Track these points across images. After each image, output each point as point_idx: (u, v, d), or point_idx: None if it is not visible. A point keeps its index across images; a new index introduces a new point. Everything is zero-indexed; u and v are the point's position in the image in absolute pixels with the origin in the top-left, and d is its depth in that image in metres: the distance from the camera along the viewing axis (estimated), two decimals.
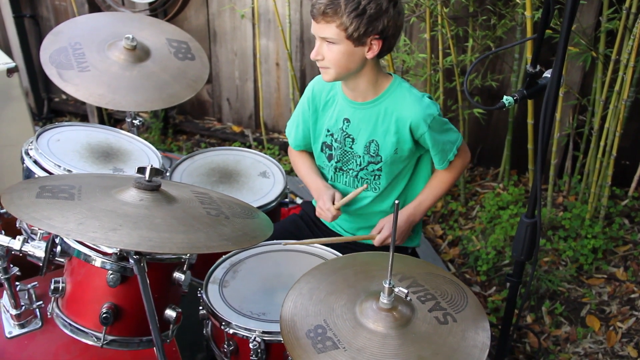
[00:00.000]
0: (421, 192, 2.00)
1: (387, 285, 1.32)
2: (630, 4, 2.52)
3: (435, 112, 1.84)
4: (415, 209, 1.98)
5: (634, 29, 2.48)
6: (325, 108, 2.00)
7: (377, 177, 1.96)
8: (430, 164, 2.02)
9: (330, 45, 1.75)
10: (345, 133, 1.95)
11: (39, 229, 1.71)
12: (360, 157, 1.94)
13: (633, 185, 3.04)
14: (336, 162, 2.01)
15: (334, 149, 2.00)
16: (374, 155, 1.91)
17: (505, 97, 1.62)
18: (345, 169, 2.00)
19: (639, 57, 2.58)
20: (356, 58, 1.77)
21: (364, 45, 1.75)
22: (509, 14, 2.85)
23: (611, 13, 2.62)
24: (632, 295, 2.67)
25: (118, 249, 1.51)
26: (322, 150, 2.04)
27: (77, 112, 4.30)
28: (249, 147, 3.75)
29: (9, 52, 3.99)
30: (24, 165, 1.97)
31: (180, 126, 4.14)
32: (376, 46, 1.75)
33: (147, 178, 1.41)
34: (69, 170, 1.93)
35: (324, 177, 2.09)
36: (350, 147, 1.95)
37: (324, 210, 1.96)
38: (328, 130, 1.99)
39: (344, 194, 2.02)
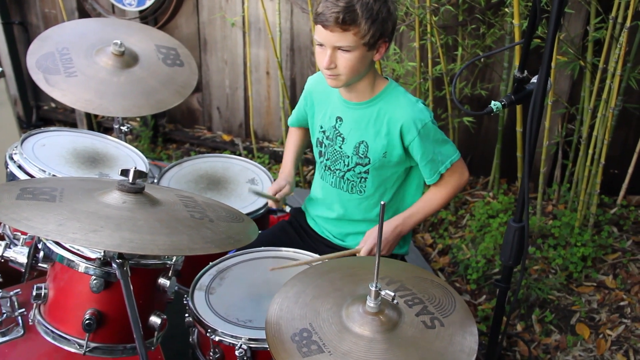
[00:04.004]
0: (413, 204, 1.97)
1: (373, 289, 1.30)
2: (617, 13, 2.54)
3: (427, 118, 1.82)
4: (404, 220, 1.94)
5: (620, 38, 2.50)
6: (320, 105, 2.02)
7: (363, 179, 1.94)
8: (422, 179, 1.99)
9: (344, 53, 1.73)
10: (337, 131, 1.95)
11: (22, 234, 1.68)
12: (348, 157, 1.93)
13: (621, 193, 3.05)
14: (326, 160, 2.01)
15: (325, 146, 2.00)
16: (362, 156, 1.91)
17: (493, 102, 1.62)
18: (333, 169, 1.99)
19: (625, 66, 2.60)
20: (366, 62, 1.78)
21: (374, 49, 1.76)
22: (498, 23, 2.87)
23: (598, 22, 2.64)
24: (621, 303, 2.66)
25: (102, 254, 1.49)
26: (316, 145, 2.05)
27: (66, 120, 4.28)
28: (239, 155, 3.74)
29: None
30: (8, 170, 1.95)
31: (170, 135, 4.12)
32: (383, 48, 1.78)
33: (130, 180, 1.39)
34: (54, 176, 1.91)
35: (315, 170, 2.13)
36: (340, 147, 1.95)
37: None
38: (321, 127, 2.00)
39: (328, 194, 2.03)
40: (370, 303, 1.31)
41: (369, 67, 1.81)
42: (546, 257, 2.90)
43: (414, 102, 1.85)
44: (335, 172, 1.99)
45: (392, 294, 1.29)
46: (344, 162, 1.95)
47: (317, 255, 1.90)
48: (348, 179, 1.97)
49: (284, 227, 2.19)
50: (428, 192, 1.96)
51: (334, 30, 1.69)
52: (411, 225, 1.95)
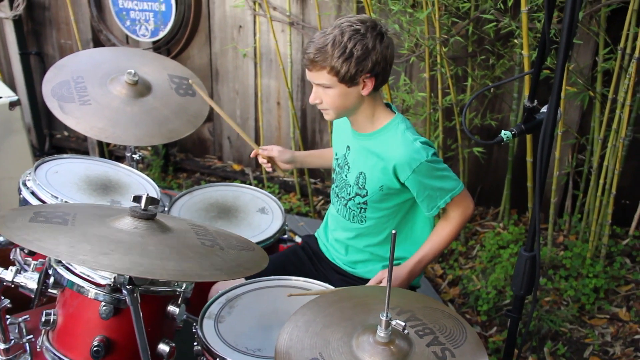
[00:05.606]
0: (421, 247, 1.95)
1: (384, 318, 1.29)
2: (625, 44, 2.56)
3: (423, 157, 1.78)
4: (415, 265, 1.93)
5: (629, 68, 2.52)
6: (339, 132, 2.06)
7: (363, 210, 1.95)
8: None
9: (325, 89, 1.79)
10: (345, 160, 1.98)
11: (32, 260, 1.68)
12: (350, 186, 1.96)
13: (633, 224, 3.02)
14: (335, 187, 2.04)
15: (336, 173, 2.03)
16: (361, 187, 1.92)
17: (503, 131, 1.62)
18: (340, 196, 2.01)
19: (635, 96, 2.61)
20: (352, 97, 1.80)
21: (357, 85, 1.77)
22: (507, 54, 2.90)
23: (607, 53, 2.66)
24: (636, 336, 2.62)
25: (112, 280, 1.49)
26: (332, 172, 2.09)
27: (78, 148, 4.33)
28: (250, 185, 3.76)
29: (13, 88, 4.05)
30: (21, 196, 1.97)
31: (181, 164, 4.16)
32: (370, 83, 1.78)
33: (142, 207, 1.40)
34: (66, 202, 1.93)
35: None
36: (346, 175, 1.97)
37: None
38: (336, 154, 2.04)
39: (335, 220, 2.06)
40: (381, 333, 1.30)
41: (361, 100, 1.82)
42: (557, 288, 2.86)
43: (411, 142, 1.81)
44: (341, 200, 2.01)
45: (403, 323, 1.28)
46: (346, 190, 1.97)
47: (331, 287, 1.89)
48: (350, 208, 1.98)
49: (296, 251, 2.19)
50: (433, 231, 1.95)
51: (311, 70, 1.78)
52: (421, 269, 1.95)
